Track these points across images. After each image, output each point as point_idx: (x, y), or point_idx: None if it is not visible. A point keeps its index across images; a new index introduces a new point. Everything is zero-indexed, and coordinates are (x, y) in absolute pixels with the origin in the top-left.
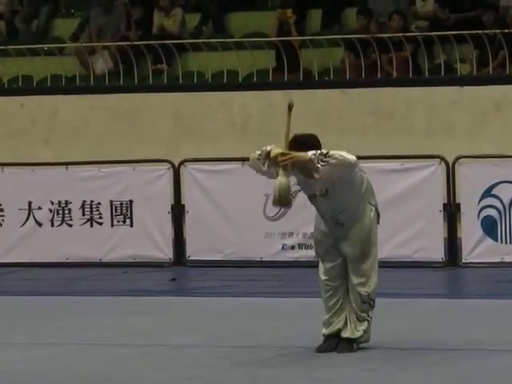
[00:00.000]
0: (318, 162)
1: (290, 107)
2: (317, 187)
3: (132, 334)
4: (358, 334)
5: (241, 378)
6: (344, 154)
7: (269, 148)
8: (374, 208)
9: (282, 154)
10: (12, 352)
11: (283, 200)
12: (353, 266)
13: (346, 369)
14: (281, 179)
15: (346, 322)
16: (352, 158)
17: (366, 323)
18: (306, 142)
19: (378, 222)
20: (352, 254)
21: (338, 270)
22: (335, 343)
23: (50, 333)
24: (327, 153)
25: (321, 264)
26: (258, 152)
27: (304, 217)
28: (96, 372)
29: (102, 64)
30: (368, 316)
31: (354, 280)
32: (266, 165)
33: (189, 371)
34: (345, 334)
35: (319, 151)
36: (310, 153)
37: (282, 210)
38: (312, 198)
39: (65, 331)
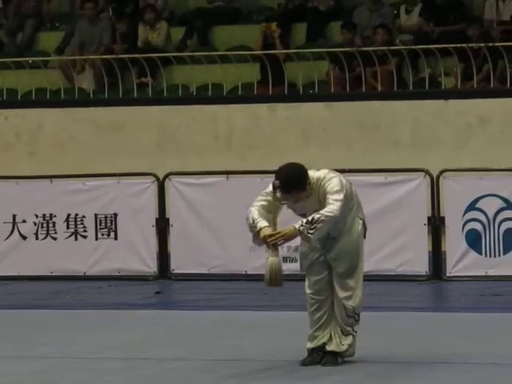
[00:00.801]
0: (308, 232)
1: (275, 187)
2: (307, 207)
3: (117, 348)
4: (343, 348)
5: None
6: (330, 209)
7: (259, 226)
8: (361, 222)
9: (271, 235)
10: None
11: (274, 282)
12: (339, 280)
13: (331, 382)
14: (271, 260)
15: (331, 336)
16: (337, 206)
17: (350, 337)
18: (291, 181)
19: (365, 236)
20: (340, 267)
21: (324, 283)
22: (320, 357)
23: (36, 346)
24: (313, 219)
25: (307, 278)
26: (250, 220)
27: None
28: None
29: (88, 83)
30: (353, 330)
31: (340, 294)
32: (256, 241)
33: None
34: (330, 348)
35: (305, 221)
36: (297, 225)
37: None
38: (302, 215)
39: (50, 345)
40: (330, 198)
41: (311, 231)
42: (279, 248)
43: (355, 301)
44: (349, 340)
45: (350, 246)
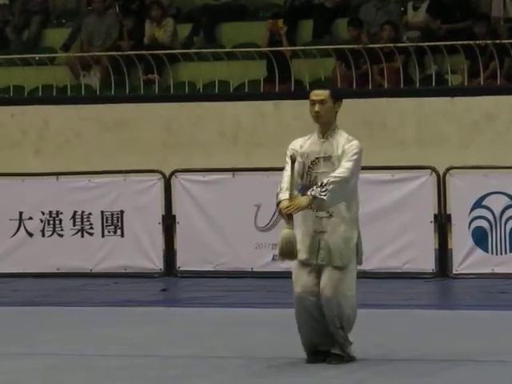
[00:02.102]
0: (320, 194)
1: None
2: (322, 151)
3: (122, 345)
4: (347, 351)
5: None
6: (341, 170)
7: (279, 199)
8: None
9: (286, 207)
10: (2, 363)
11: (286, 254)
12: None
13: (335, 380)
14: (285, 232)
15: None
16: (350, 166)
17: (349, 346)
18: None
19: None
20: (329, 260)
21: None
22: (325, 356)
23: (41, 343)
24: (323, 183)
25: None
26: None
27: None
28: (86, 383)
29: (95, 81)
30: (346, 341)
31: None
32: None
33: (179, 382)
34: (334, 351)
35: (315, 186)
36: (309, 193)
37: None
38: (314, 163)
39: (55, 342)
40: (344, 158)
41: (323, 193)
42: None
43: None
44: (348, 347)
45: (344, 236)
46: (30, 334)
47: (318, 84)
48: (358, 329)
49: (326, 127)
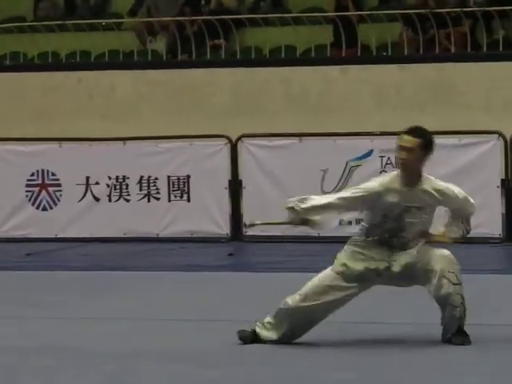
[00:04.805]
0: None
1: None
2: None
3: (190, 309)
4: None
5: (297, 352)
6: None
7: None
8: None
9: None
10: (72, 327)
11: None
12: None
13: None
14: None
15: None
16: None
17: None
18: (422, 130)
19: None
20: None
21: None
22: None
23: (109, 308)
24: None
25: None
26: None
27: None
28: (161, 347)
29: (162, 47)
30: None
31: None
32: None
33: (244, 346)
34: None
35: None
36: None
37: None
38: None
39: (122, 306)
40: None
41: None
42: None
43: None
44: None
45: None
46: (95, 299)
47: (411, 129)
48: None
49: (412, 175)
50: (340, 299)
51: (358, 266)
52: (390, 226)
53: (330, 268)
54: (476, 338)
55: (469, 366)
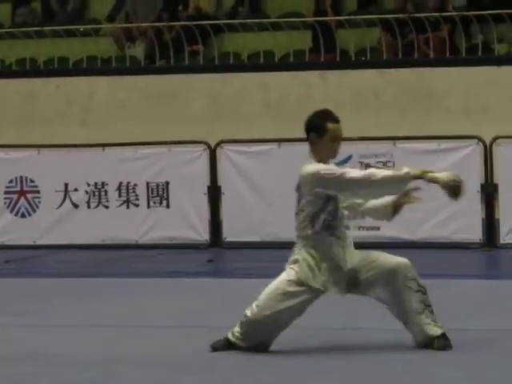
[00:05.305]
0: None
1: None
2: None
3: (169, 316)
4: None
5: (273, 359)
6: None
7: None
8: None
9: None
10: (52, 334)
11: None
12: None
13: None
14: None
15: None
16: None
17: None
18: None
19: None
20: None
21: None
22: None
23: (89, 315)
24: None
25: None
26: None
27: None
28: (141, 353)
29: (140, 53)
30: None
31: None
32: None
33: (223, 353)
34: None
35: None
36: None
37: None
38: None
39: (102, 313)
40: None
41: None
42: None
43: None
44: None
45: None
46: (75, 306)
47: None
48: None
49: None
50: (299, 303)
51: (316, 285)
52: (331, 208)
53: (285, 272)
54: (455, 343)
55: (448, 370)
